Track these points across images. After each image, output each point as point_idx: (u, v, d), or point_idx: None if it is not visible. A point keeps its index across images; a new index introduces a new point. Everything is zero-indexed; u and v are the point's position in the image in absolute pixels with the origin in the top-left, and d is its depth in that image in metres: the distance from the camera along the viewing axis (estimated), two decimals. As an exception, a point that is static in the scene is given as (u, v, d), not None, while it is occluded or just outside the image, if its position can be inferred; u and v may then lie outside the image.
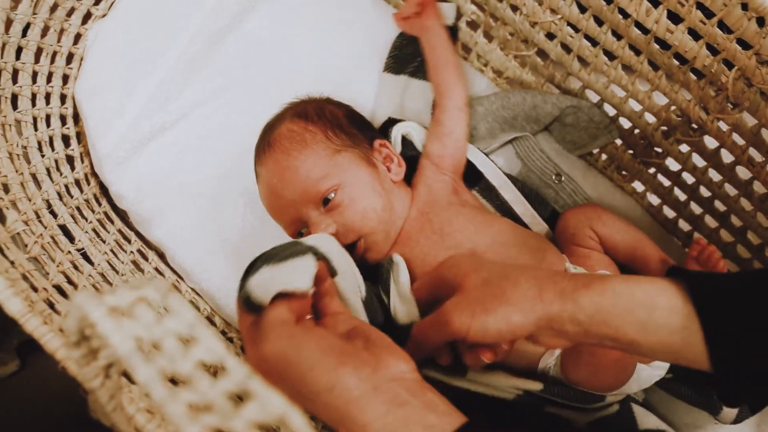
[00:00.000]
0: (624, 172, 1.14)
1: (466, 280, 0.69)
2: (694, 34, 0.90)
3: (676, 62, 0.95)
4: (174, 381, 0.45)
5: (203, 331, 0.44)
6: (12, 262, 0.73)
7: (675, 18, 0.90)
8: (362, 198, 0.91)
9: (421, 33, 1.09)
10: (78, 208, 0.99)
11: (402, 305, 0.85)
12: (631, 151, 1.11)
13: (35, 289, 0.73)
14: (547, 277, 0.64)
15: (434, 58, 1.07)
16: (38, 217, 0.87)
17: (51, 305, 0.73)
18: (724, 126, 0.95)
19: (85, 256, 0.92)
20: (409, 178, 1.03)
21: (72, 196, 1.00)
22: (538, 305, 0.62)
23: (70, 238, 0.92)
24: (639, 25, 0.94)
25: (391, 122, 1.07)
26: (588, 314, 0.60)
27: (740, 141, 0.94)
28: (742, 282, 0.57)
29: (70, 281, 0.82)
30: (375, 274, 0.91)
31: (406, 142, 1.05)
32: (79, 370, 0.54)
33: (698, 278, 0.58)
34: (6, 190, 0.83)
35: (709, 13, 0.86)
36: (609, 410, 0.90)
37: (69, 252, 0.88)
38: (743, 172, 0.97)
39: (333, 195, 0.89)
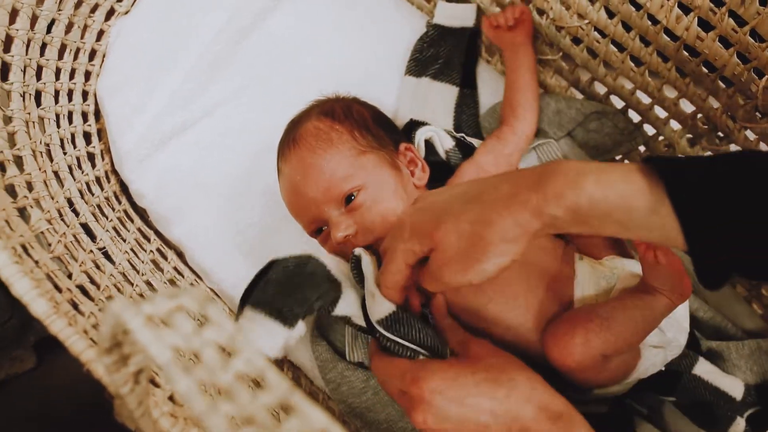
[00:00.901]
0: (647, 179, 1.13)
1: (437, 238, 0.69)
2: (725, 42, 0.89)
3: (705, 70, 0.94)
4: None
5: (243, 342, 0.44)
6: (36, 262, 0.73)
7: (705, 25, 0.89)
8: (384, 200, 0.90)
9: (509, 48, 1.08)
10: (99, 206, 0.99)
11: (372, 302, 0.84)
12: (654, 158, 1.10)
13: (59, 290, 0.73)
14: (514, 200, 0.64)
15: (517, 78, 1.05)
16: (61, 215, 0.87)
17: (75, 306, 0.73)
18: (751, 135, 0.94)
19: (106, 255, 0.91)
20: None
21: (93, 194, 0.99)
22: (520, 235, 0.64)
23: (92, 237, 0.92)
24: (668, 31, 0.93)
25: (413, 125, 1.06)
26: (566, 222, 0.61)
27: (768, 150, 0.93)
28: (711, 166, 0.57)
29: (92, 281, 0.82)
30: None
31: (428, 146, 1.04)
32: (109, 377, 0.53)
33: (669, 166, 0.57)
34: (30, 188, 0.83)
35: (741, 21, 0.85)
36: (598, 408, 0.91)
37: (91, 251, 0.87)
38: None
39: (355, 195, 0.88)
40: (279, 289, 0.87)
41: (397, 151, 0.96)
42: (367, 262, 0.86)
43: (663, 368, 0.91)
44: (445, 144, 1.04)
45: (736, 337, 1.03)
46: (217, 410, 0.42)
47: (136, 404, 0.57)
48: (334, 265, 0.88)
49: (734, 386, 0.94)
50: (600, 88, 1.10)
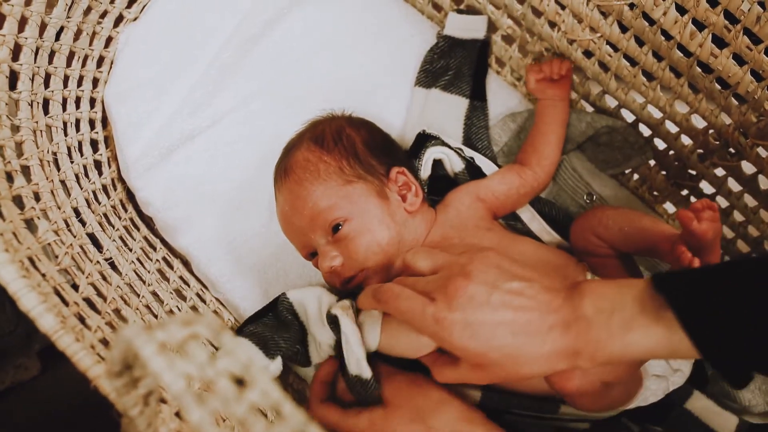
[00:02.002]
0: (656, 193, 1.12)
1: (482, 364, 0.69)
2: (739, 59, 0.88)
3: (718, 86, 0.93)
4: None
5: (258, 372, 0.43)
6: (44, 275, 0.72)
7: (719, 42, 0.89)
8: (369, 232, 0.90)
9: (549, 101, 1.06)
10: (105, 215, 0.98)
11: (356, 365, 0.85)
12: (664, 173, 1.09)
13: (66, 303, 0.72)
14: (552, 352, 0.66)
15: (549, 131, 1.04)
16: (68, 225, 0.86)
17: (82, 320, 0.72)
18: (763, 152, 0.94)
19: (113, 266, 0.90)
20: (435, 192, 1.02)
21: (99, 203, 0.99)
22: (547, 372, 0.68)
23: (98, 247, 0.91)
24: (681, 47, 0.92)
25: (425, 138, 1.04)
26: (595, 366, 0.66)
27: (779, 168, 0.93)
28: (719, 282, 0.61)
29: (99, 293, 0.81)
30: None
31: (437, 162, 1.03)
32: (119, 399, 0.53)
33: (680, 297, 0.61)
34: (37, 198, 0.82)
35: (756, 39, 0.85)
36: (578, 425, 0.92)
37: (98, 262, 0.87)
38: (781, 199, 0.96)
39: (341, 225, 0.89)
40: (276, 323, 0.94)
41: (387, 177, 0.95)
42: (348, 325, 0.86)
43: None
44: (455, 167, 1.03)
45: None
46: (231, 442, 0.42)
47: (145, 426, 0.56)
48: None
49: (725, 425, 0.94)
50: (611, 102, 1.09)
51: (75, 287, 0.79)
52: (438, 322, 0.69)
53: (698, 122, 0.99)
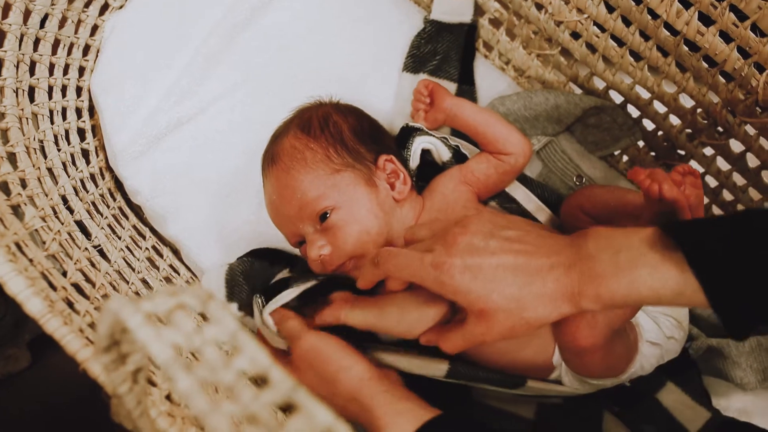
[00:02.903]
0: (645, 175, 1.12)
1: (485, 314, 0.69)
2: (725, 37, 0.88)
3: (705, 64, 0.93)
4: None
5: (246, 340, 0.43)
6: (31, 260, 0.72)
7: (706, 20, 0.89)
8: (357, 221, 0.89)
9: (447, 116, 1.01)
10: (93, 204, 0.98)
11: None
12: (653, 153, 1.10)
13: (54, 288, 0.72)
14: (556, 293, 0.66)
15: (476, 122, 0.98)
16: (55, 213, 0.85)
17: (70, 304, 0.72)
18: (751, 130, 0.94)
19: (102, 253, 0.90)
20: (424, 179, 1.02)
21: (87, 191, 0.98)
22: (554, 317, 0.66)
23: (86, 234, 0.90)
24: (668, 26, 0.93)
25: (410, 130, 1.03)
26: (597, 310, 0.65)
27: (768, 145, 0.93)
28: (731, 230, 0.60)
29: (87, 279, 0.81)
30: None
31: (425, 151, 1.03)
32: (107, 376, 0.52)
33: (691, 239, 0.60)
34: (23, 185, 0.82)
35: (742, 16, 0.85)
36: (552, 400, 0.94)
37: (86, 249, 0.86)
38: (769, 177, 0.96)
39: (329, 214, 0.89)
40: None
41: (375, 164, 0.95)
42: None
43: (628, 384, 0.93)
44: (443, 156, 1.02)
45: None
46: (219, 409, 0.41)
47: (134, 404, 0.56)
48: None
49: (694, 419, 0.95)
50: (599, 83, 1.09)
51: (63, 274, 0.78)
52: (437, 266, 0.69)
53: (686, 102, 1.00)
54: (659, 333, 0.87)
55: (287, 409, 0.42)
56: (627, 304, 0.63)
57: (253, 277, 1.00)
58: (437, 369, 0.86)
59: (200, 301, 0.45)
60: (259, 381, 0.44)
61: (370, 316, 0.84)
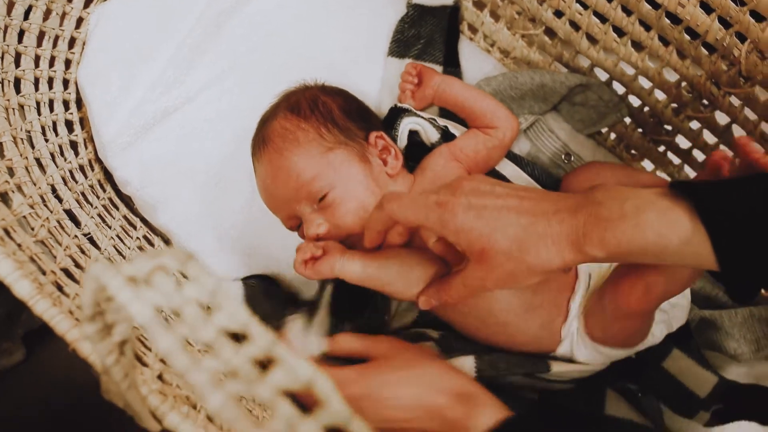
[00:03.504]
0: (633, 151, 1.13)
1: (486, 256, 0.67)
2: (706, 8, 0.89)
3: (687, 37, 0.94)
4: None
5: (225, 297, 0.43)
6: (19, 245, 0.72)
7: (686, -9, 0.89)
8: (354, 198, 0.90)
9: (435, 93, 1.02)
10: (83, 194, 0.98)
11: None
12: (640, 130, 1.10)
13: (43, 272, 0.72)
14: (560, 235, 0.64)
15: (464, 98, 1.00)
16: (44, 201, 0.86)
17: (59, 288, 0.72)
18: (735, 101, 0.94)
19: (92, 241, 0.90)
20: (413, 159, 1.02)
21: (77, 182, 0.98)
22: (557, 265, 0.65)
23: (76, 223, 0.91)
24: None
25: (398, 111, 1.04)
26: (602, 258, 0.62)
27: (752, 116, 0.93)
28: (742, 188, 0.59)
29: (77, 265, 0.81)
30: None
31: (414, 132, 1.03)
32: (93, 347, 0.52)
33: (700, 193, 0.59)
34: (11, 173, 0.82)
35: (722, -15, 0.85)
36: (561, 386, 0.93)
37: (75, 236, 0.86)
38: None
39: (325, 194, 0.89)
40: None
41: (367, 141, 0.95)
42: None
43: (634, 356, 0.92)
44: (431, 137, 1.03)
45: (728, 305, 1.03)
46: (200, 365, 0.42)
47: (121, 376, 0.56)
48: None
49: (702, 384, 0.95)
50: (584, 61, 1.09)
51: (53, 259, 0.78)
52: (441, 205, 0.68)
53: (670, 76, 1.00)
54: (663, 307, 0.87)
55: (267, 363, 0.42)
56: (632, 253, 0.61)
57: (273, 296, 1.01)
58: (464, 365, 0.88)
59: (180, 261, 0.45)
60: (240, 337, 0.44)
61: (369, 269, 0.84)
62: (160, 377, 0.70)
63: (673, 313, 0.89)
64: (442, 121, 1.03)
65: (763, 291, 1.08)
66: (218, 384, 0.41)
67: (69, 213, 0.91)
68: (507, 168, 1.00)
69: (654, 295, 0.76)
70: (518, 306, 0.87)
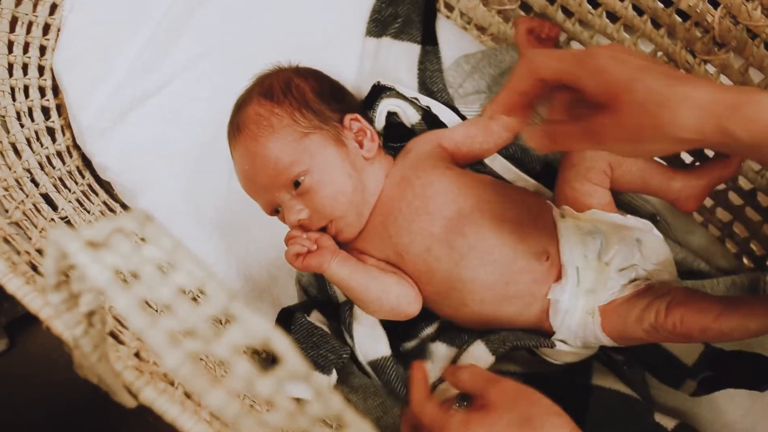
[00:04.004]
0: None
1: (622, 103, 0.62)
2: (679, -26, 0.89)
3: (661, 5, 0.93)
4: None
5: (182, 256, 0.43)
6: (-8, 226, 0.72)
7: (658, -42, 0.89)
8: (331, 182, 0.90)
9: None
10: (60, 179, 0.98)
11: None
12: (619, 103, 1.10)
13: (18, 252, 0.72)
14: (705, 101, 0.58)
15: None
16: (19, 185, 0.86)
17: (34, 268, 0.72)
18: (711, 69, 0.94)
19: (69, 224, 0.90)
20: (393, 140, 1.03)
21: (54, 167, 0.98)
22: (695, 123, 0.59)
23: (53, 207, 0.91)
24: (622, -32, 0.93)
25: (380, 89, 1.04)
26: (745, 139, 0.57)
27: (728, 83, 0.93)
28: None
29: (53, 247, 0.80)
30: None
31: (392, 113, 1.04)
32: (60, 317, 0.52)
33: None
34: (-17, 157, 0.82)
35: (692, -50, 0.85)
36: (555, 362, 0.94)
37: (52, 219, 0.86)
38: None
39: (302, 179, 0.89)
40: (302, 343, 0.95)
41: (342, 124, 0.95)
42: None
43: None
44: (411, 118, 1.03)
45: (710, 275, 1.03)
46: (158, 325, 0.42)
47: (91, 348, 0.56)
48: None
49: (689, 352, 0.95)
50: (560, 35, 1.09)
51: (29, 240, 0.78)
52: (585, 52, 0.64)
53: (646, 47, 1.00)
54: None
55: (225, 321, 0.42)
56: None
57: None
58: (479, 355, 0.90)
59: (138, 223, 0.45)
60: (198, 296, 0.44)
61: (356, 275, 0.89)
62: (137, 355, 0.70)
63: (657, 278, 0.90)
64: (424, 101, 1.03)
65: (745, 261, 1.09)
66: (176, 343, 0.41)
67: (46, 197, 0.91)
68: (495, 163, 1.03)
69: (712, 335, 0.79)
70: (491, 297, 0.88)
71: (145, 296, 0.42)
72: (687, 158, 1.08)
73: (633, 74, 0.60)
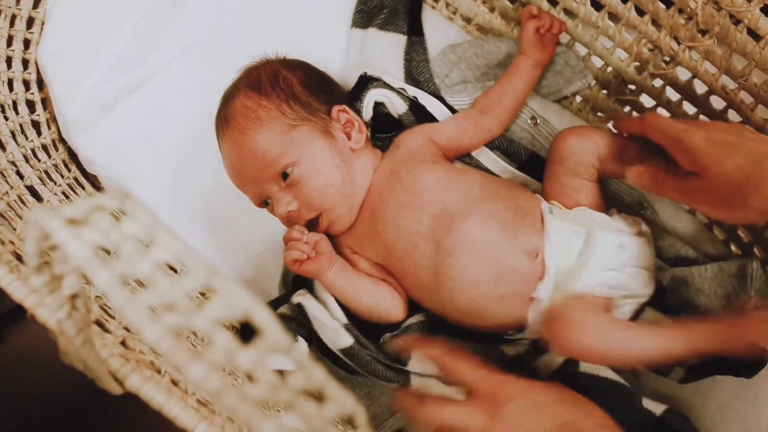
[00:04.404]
0: (600, 113, 1.13)
1: None
2: (661, -39, 0.89)
3: (645, -9, 0.94)
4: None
5: (162, 232, 0.43)
6: (-25, 217, 0.71)
7: (641, -55, 0.90)
8: (320, 174, 0.91)
9: (530, 59, 1.03)
10: (46, 172, 0.98)
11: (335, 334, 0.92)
12: (605, 91, 1.10)
13: (2, 243, 0.71)
14: None
15: (520, 88, 1.03)
16: (4, 177, 0.85)
17: (19, 258, 0.71)
18: (695, 56, 0.95)
19: (56, 218, 0.90)
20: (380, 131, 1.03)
21: (39, 160, 0.98)
22: None
23: (39, 200, 0.90)
24: (605, -45, 0.93)
25: (366, 80, 1.04)
26: None
27: (712, 69, 0.94)
28: None
29: (39, 237, 0.80)
30: None
31: (380, 104, 1.04)
32: (43, 302, 0.52)
33: None
34: (-33, 149, 0.82)
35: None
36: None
37: (38, 211, 0.86)
38: (718, 102, 0.97)
39: (291, 171, 0.90)
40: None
41: (329, 116, 0.96)
42: (313, 305, 0.92)
43: None
44: (398, 109, 1.03)
45: (698, 262, 1.04)
46: (137, 300, 0.41)
47: (75, 332, 0.56)
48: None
49: None
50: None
51: (13, 231, 0.78)
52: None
53: (630, 35, 1.00)
54: (629, 285, 0.88)
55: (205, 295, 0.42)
56: None
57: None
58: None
59: (117, 200, 0.45)
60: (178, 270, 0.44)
61: (350, 285, 0.91)
62: (123, 344, 0.70)
63: (640, 282, 0.90)
64: (412, 91, 1.04)
65: (733, 248, 1.09)
66: (155, 317, 0.41)
67: (31, 189, 0.90)
68: (482, 155, 1.04)
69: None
70: (479, 295, 0.88)
71: (125, 272, 0.42)
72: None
73: (721, 152, 0.70)
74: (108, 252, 0.43)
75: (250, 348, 0.40)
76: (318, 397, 0.41)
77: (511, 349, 0.98)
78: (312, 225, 0.94)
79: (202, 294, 0.42)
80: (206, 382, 0.40)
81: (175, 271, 0.44)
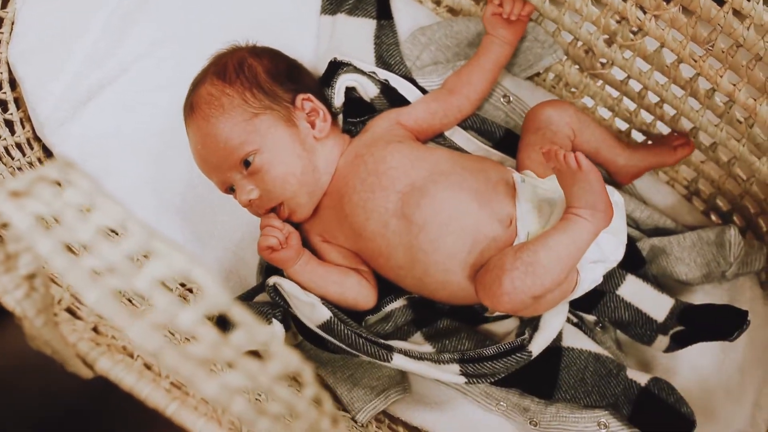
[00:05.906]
0: (573, 89, 1.13)
1: None
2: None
3: (609, -38, 0.94)
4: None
5: (101, 197, 0.43)
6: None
7: None
8: (281, 163, 0.92)
9: (497, 39, 1.04)
10: (20, 169, 0.98)
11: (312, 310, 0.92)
12: (576, 66, 1.10)
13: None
14: None
15: (488, 67, 1.04)
16: (-25, 173, 0.86)
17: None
18: (662, 24, 0.95)
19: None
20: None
21: (13, 158, 0.98)
22: None
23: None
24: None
25: (337, 65, 1.04)
26: None
27: (679, 37, 0.94)
28: None
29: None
30: None
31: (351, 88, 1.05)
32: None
33: None
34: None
35: None
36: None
37: (10, 206, 0.86)
38: (687, 70, 0.97)
39: (252, 160, 0.91)
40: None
41: (293, 105, 0.96)
42: (289, 284, 0.92)
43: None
44: (369, 93, 1.04)
45: (676, 231, 1.04)
46: (78, 264, 0.42)
47: (34, 312, 0.56)
48: None
49: (658, 308, 0.96)
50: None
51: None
52: None
53: (597, 8, 1.00)
54: (598, 251, 0.88)
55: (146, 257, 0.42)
56: None
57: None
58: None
59: (60, 170, 0.45)
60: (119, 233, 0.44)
61: (315, 279, 0.93)
62: (94, 329, 0.70)
63: (610, 261, 0.90)
64: (383, 74, 1.04)
65: (713, 218, 1.09)
66: (96, 279, 0.41)
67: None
68: (456, 135, 1.05)
69: (522, 293, 0.82)
70: (455, 265, 0.88)
71: (67, 239, 0.42)
72: (639, 137, 1.10)
73: None
74: (54, 220, 0.44)
75: (190, 307, 0.41)
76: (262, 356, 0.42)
77: (499, 328, 0.99)
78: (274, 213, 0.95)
79: (145, 256, 0.42)
80: (147, 342, 0.40)
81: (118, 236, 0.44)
